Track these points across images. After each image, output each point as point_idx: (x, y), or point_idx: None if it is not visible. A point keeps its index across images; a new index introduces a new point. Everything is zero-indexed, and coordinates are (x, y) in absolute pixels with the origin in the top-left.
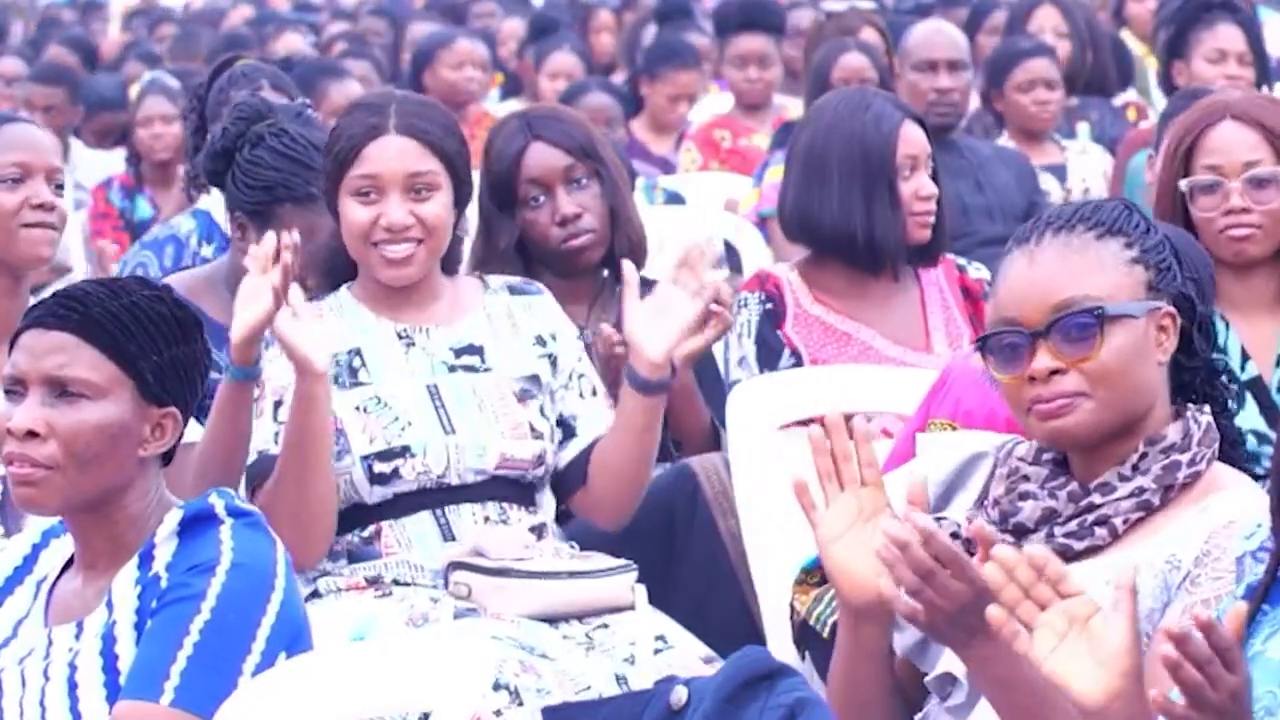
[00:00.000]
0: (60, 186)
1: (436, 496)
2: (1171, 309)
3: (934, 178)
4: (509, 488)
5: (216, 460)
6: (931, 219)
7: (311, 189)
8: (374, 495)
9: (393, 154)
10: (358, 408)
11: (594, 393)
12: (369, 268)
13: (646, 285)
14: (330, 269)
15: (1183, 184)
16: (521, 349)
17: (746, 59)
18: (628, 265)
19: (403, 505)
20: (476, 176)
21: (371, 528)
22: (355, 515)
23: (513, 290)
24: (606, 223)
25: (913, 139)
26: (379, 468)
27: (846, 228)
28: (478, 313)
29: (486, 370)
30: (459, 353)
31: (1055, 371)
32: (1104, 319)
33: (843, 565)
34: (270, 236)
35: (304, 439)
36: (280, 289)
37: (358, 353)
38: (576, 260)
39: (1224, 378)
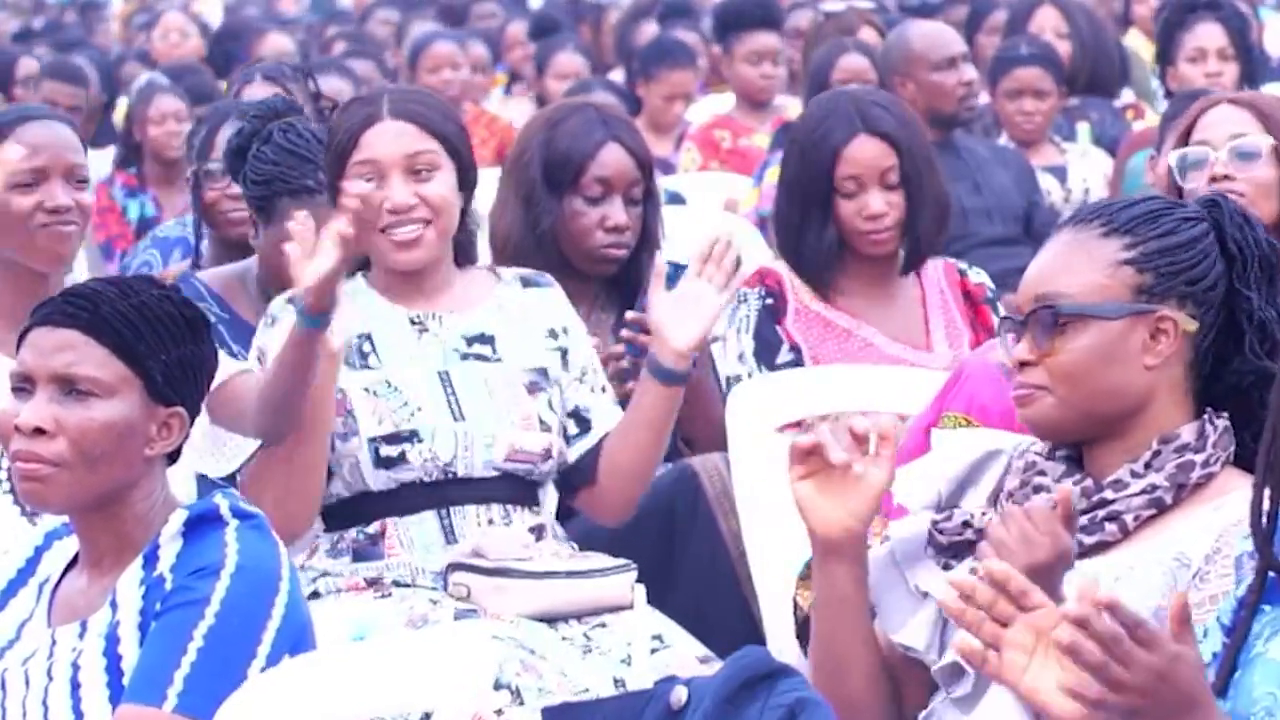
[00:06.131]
0: (83, 180)
1: (442, 493)
2: (1172, 314)
3: (907, 184)
4: (514, 486)
5: (278, 398)
6: (884, 236)
7: (308, 182)
8: (379, 480)
9: (389, 137)
10: (366, 389)
11: (603, 389)
12: (379, 255)
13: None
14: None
15: (1172, 157)
16: (532, 341)
17: (763, 55)
18: (657, 255)
19: (408, 500)
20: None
21: (376, 525)
22: (360, 506)
23: (525, 282)
24: (637, 241)
25: (859, 158)
26: (385, 451)
27: (786, 243)
28: (489, 303)
29: (497, 360)
30: (471, 341)
31: (1026, 362)
32: (1059, 317)
33: (811, 500)
34: (303, 216)
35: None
36: (348, 237)
37: (368, 338)
38: (602, 266)
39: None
